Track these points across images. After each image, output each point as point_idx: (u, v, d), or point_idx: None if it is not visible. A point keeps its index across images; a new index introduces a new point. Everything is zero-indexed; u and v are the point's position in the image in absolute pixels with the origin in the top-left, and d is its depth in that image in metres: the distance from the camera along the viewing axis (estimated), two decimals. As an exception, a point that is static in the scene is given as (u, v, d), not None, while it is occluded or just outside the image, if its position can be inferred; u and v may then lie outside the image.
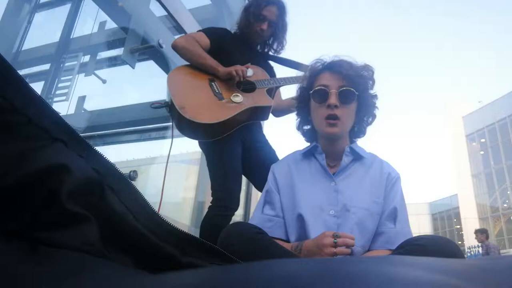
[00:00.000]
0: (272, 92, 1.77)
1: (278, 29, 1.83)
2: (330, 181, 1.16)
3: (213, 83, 1.62)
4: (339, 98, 1.15)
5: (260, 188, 1.60)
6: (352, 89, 1.15)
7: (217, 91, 1.60)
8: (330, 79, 1.18)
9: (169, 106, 1.55)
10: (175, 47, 1.66)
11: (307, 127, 1.29)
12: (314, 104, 1.20)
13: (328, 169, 1.18)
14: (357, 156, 1.20)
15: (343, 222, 1.08)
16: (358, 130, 1.24)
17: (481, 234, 7.10)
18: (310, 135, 1.28)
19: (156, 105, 1.59)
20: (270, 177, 1.27)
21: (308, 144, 1.28)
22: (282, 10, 1.81)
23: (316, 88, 1.18)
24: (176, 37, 2.91)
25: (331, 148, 1.21)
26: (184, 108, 1.48)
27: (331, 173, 1.17)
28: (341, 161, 1.18)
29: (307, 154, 1.25)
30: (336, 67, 1.18)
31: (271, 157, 1.73)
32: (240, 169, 1.63)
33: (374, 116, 1.25)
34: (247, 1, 3.52)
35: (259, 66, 1.79)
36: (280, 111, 1.86)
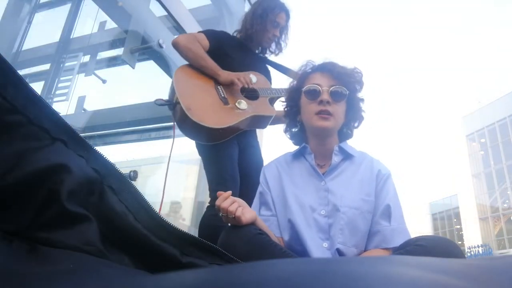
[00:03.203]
0: (273, 101, 1.78)
1: (285, 35, 1.86)
2: (320, 181, 1.16)
3: (219, 87, 1.62)
4: (331, 96, 1.17)
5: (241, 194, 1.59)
6: (343, 87, 1.18)
7: (222, 95, 1.60)
8: (322, 79, 1.20)
9: (173, 104, 1.54)
10: (176, 45, 1.64)
11: (295, 129, 1.30)
12: (306, 101, 1.21)
13: (318, 169, 1.18)
14: (347, 155, 1.20)
15: (334, 222, 1.08)
16: (346, 132, 1.25)
17: None
18: (297, 138, 1.29)
19: (160, 102, 1.57)
20: (261, 179, 1.27)
21: (297, 147, 1.29)
22: (288, 16, 1.84)
23: (308, 85, 1.21)
24: (176, 36, 2.92)
25: (321, 147, 1.21)
26: (191, 110, 1.47)
27: (321, 172, 1.18)
28: (331, 161, 1.19)
29: (297, 155, 1.26)
30: (327, 68, 1.21)
31: (258, 165, 1.74)
32: (237, 170, 1.63)
33: (362, 119, 1.26)
34: (247, 3, 3.50)
35: (259, 70, 1.80)
36: (273, 120, 1.86)
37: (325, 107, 1.15)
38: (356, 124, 1.26)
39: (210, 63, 1.62)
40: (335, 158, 1.18)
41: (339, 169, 1.18)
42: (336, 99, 1.17)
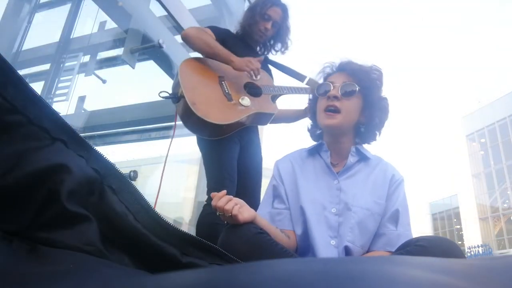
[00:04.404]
0: (275, 99, 1.79)
1: (282, 31, 1.86)
2: (333, 179, 1.16)
3: (223, 83, 1.63)
4: (340, 92, 1.17)
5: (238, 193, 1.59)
6: (354, 83, 1.17)
7: (226, 91, 1.61)
8: (336, 77, 1.21)
9: (177, 97, 1.54)
10: (186, 36, 1.64)
11: (318, 131, 1.30)
12: (319, 99, 1.22)
13: (333, 168, 1.18)
14: (363, 157, 1.20)
15: (344, 220, 1.09)
16: (365, 131, 1.22)
17: None
18: (319, 138, 1.29)
19: (164, 94, 1.57)
20: (275, 172, 1.27)
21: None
22: (285, 13, 1.85)
23: (322, 83, 1.22)
24: (176, 37, 2.92)
25: (336, 146, 1.21)
26: (196, 104, 1.48)
27: (335, 171, 1.18)
28: (346, 160, 1.19)
29: (313, 151, 1.26)
30: (342, 67, 1.23)
31: (257, 164, 1.77)
32: (236, 169, 1.64)
33: (381, 119, 1.21)
34: (247, 3, 3.51)
35: (261, 68, 1.80)
36: (275, 119, 1.86)
37: (332, 102, 1.15)
38: (377, 124, 1.21)
39: (222, 51, 1.64)
40: (351, 159, 1.18)
41: (354, 170, 1.18)
42: (345, 95, 1.16)
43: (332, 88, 1.17)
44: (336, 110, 1.15)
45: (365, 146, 1.26)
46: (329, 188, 1.15)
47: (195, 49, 1.65)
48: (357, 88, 1.16)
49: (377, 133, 1.23)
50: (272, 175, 1.27)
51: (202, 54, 1.65)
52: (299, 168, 1.22)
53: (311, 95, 1.33)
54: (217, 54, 1.63)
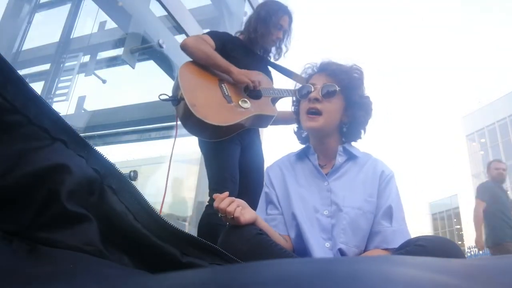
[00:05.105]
0: (275, 101, 1.80)
1: (286, 38, 1.89)
2: (323, 181, 1.16)
3: (222, 85, 1.64)
4: (321, 93, 1.16)
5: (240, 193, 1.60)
6: (334, 84, 1.17)
7: (226, 93, 1.62)
8: (317, 78, 1.21)
9: (177, 100, 1.55)
10: (185, 47, 1.65)
11: (304, 133, 1.30)
12: (301, 101, 1.22)
13: (321, 169, 1.18)
14: (351, 156, 1.20)
15: (337, 222, 1.08)
16: (348, 130, 1.21)
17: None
18: (306, 141, 1.29)
19: (164, 97, 1.57)
20: (266, 179, 1.28)
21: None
22: (291, 19, 1.88)
23: (303, 85, 1.22)
24: (176, 37, 2.92)
25: (322, 147, 1.21)
26: (195, 106, 1.48)
27: (324, 173, 1.17)
28: (334, 161, 1.18)
29: (301, 155, 1.26)
30: (323, 68, 1.22)
31: (259, 164, 1.78)
32: (237, 169, 1.65)
33: (365, 118, 1.21)
34: (247, 3, 3.50)
35: (261, 71, 1.82)
36: (275, 121, 1.87)
37: (314, 105, 1.15)
38: (360, 122, 1.21)
39: (222, 61, 1.65)
40: (339, 159, 1.17)
41: (343, 170, 1.18)
42: (326, 96, 1.16)
43: (313, 89, 1.17)
44: (317, 112, 1.15)
45: (354, 144, 1.25)
46: (319, 191, 1.15)
47: (194, 59, 1.66)
48: (338, 89, 1.16)
49: (362, 131, 1.23)
50: (264, 182, 1.28)
51: (201, 63, 1.66)
52: (288, 173, 1.23)
53: (294, 98, 1.32)
54: (216, 65, 1.64)
